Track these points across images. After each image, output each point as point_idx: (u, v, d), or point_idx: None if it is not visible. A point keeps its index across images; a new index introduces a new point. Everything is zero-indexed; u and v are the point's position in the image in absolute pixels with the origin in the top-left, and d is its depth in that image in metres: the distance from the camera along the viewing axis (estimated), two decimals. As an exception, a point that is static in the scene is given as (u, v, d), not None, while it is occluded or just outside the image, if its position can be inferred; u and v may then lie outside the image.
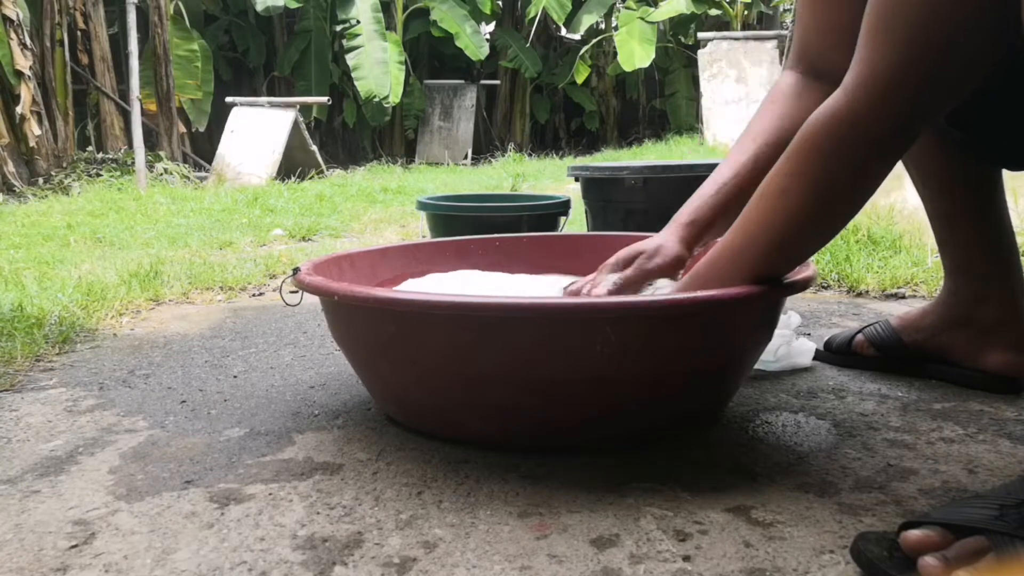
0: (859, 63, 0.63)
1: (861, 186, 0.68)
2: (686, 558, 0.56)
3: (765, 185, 0.71)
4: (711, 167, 0.91)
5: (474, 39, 8.29)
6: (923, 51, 0.59)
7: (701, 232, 0.83)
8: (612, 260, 0.85)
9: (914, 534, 0.52)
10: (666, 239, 0.84)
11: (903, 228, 1.83)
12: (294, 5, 7.89)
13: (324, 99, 6.87)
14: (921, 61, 0.60)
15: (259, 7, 7.87)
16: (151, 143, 5.95)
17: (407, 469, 0.73)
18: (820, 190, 0.68)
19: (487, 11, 8.61)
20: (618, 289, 0.82)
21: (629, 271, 0.83)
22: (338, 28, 8.00)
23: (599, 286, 0.83)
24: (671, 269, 0.82)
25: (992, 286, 0.91)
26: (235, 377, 1.05)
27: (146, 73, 5.95)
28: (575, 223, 2.06)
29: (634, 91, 10.32)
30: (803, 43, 0.84)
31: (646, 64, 8.03)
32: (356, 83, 7.72)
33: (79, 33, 6.07)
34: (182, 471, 0.74)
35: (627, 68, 8.02)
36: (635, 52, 7.89)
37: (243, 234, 2.61)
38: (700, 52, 6.82)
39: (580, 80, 9.31)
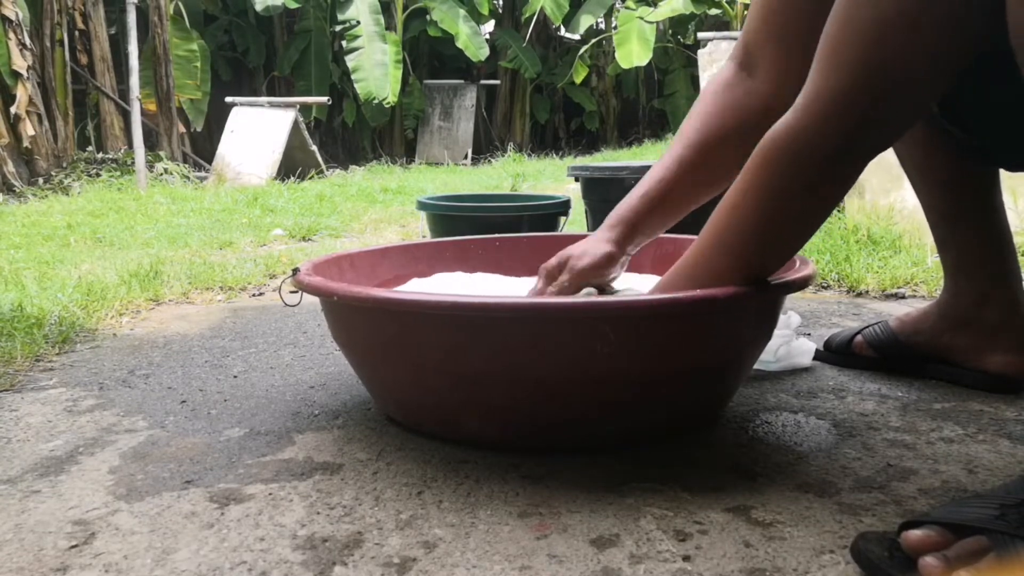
0: (810, 83, 0.64)
1: (809, 205, 0.68)
2: (686, 558, 0.56)
3: (724, 197, 0.72)
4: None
5: (474, 40, 8.30)
6: (871, 75, 0.60)
7: (629, 231, 0.86)
8: (547, 265, 0.88)
9: (915, 534, 0.52)
10: (594, 240, 0.87)
11: (903, 228, 1.83)
12: (294, 5, 7.89)
13: (324, 99, 6.87)
14: (869, 85, 0.60)
15: (259, 7, 7.87)
16: (151, 143, 5.95)
17: (407, 469, 0.73)
18: (767, 206, 0.68)
19: (484, 12, 8.61)
20: (558, 296, 0.85)
21: (563, 277, 0.86)
22: (338, 28, 8.01)
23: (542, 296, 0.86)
24: (602, 266, 0.85)
25: (992, 287, 0.91)
26: (235, 377, 1.05)
27: (146, 73, 5.95)
28: (575, 223, 2.06)
29: (633, 91, 10.32)
30: (745, 32, 0.85)
31: (644, 62, 8.03)
32: (356, 84, 7.73)
33: (79, 33, 6.06)
34: (182, 471, 0.74)
35: (624, 65, 8.02)
36: (633, 50, 7.89)
37: (243, 234, 2.61)
38: (700, 52, 6.81)
39: (579, 80, 9.31)
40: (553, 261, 0.88)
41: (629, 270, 1.05)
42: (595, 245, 0.86)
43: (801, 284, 0.76)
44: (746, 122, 0.82)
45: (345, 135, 9.53)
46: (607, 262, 0.85)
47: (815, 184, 0.66)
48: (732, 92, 0.83)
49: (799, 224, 0.70)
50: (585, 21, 8.99)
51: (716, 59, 6.70)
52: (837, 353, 1.05)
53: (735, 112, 0.82)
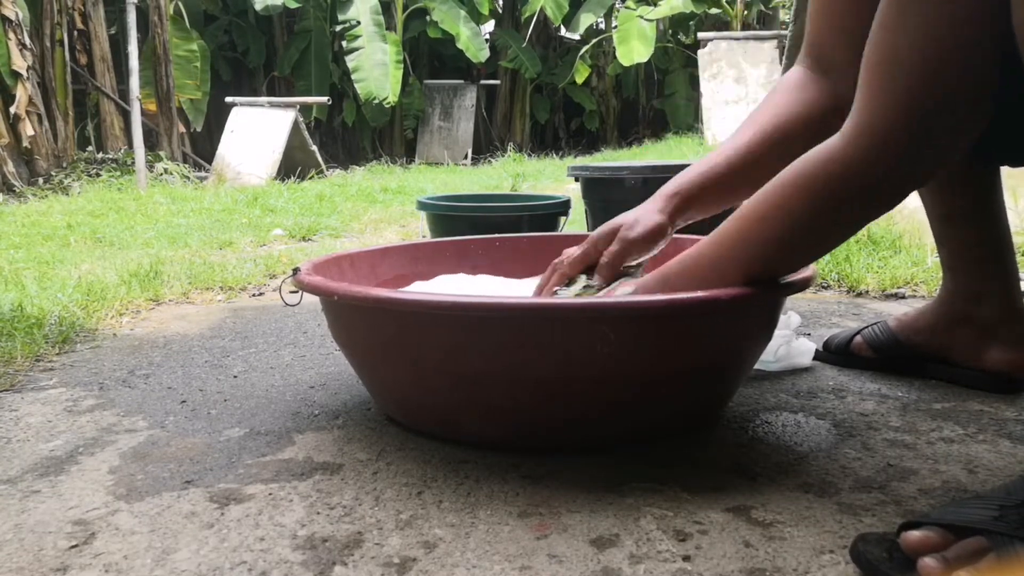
0: (859, 112, 0.63)
1: (841, 229, 0.70)
2: (686, 558, 0.56)
3: (747, 207, 0.71)
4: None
5: (474, 41, 8.30)
6: (922, 108, 0.59)
7: (685, 204, 0.83)
8: (595, 235, 0.85)
9: (914, 535, 0.52)
10: (646, 210, 0.83)
11: (903, 228, 1.83)
12: (294, 5, 7.90)
13: (324, 99, 6.88)
14: (920, 118, 0.59)
15: (259, 7, 7.88)
16: (151, 143, 5.95)
17: (407, 469, 0.73)
18: (799, 226, 0.68)
19: (484, 12, 8.62)
20: (606, 265, 0.83)
21: (613, 246, 0.83)
22: (338, 28, 8.01)
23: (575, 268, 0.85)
24: (654, 237, 0.82)
25: (991, 285, 0.91)
26: (235, 377, 1.05)
27: (146, 73, 5.96)
28: (575, 223, 2.06)
29: (633, 91, 10.33)
30: (811, 40, 0.84)
31: (644, 59, 8.05)
32: (356, 85, 7.74)
33: (79, 33, 6.07)
34: (182, 471, 0.74)
35: (625, 63, 8.04)
36: (634, 48, 7.91)
37: (243, 234, 2.61)
38: (700, 52, 6.82)
39: (580, 80, 9.32)
40: (604, 230, 0.85)
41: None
42: (648, 215, 0.83)
43: (802, 285, 0.76)
44: (818, 118, 0.80)
45: (345, 135, 9.53)
46: (658, 233, 0.82)
47: (848, 212, 0.67)
48: (806, 89, 0.82)
49: (822, 245, 0.72)
50: (585, 21, 9.00)
51: (716, 59, 6.71)
52: (837, 353, 1.05)
53: (808, 107, 0.81)
